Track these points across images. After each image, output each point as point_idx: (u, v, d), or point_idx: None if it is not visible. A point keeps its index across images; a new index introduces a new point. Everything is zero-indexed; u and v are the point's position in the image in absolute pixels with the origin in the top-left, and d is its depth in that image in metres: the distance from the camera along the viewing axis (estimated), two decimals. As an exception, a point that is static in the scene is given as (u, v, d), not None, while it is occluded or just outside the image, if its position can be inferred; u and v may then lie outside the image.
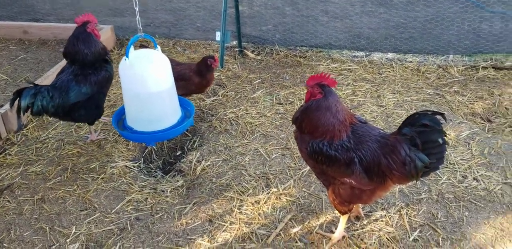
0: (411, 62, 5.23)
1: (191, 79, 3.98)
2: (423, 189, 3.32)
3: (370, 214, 3.10)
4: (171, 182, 3.49)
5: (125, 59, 3.17)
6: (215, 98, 4.51)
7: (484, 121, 4.35)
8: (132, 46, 3.24)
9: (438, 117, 2.29)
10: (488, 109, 4.44)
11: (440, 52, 5.27)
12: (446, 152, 2.32)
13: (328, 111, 2.41)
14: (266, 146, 3.79)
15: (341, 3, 6.46)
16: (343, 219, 2.79)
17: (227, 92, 4.60)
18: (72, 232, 2.99)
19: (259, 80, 4.82)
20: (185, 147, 3.96)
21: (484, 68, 5.07)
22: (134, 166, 3.65)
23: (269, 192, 3.29)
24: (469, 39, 5.40)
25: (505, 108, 4.43)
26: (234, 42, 5.51)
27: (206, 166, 3.59)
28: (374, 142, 2.42)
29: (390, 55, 5.33)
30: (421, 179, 3.06)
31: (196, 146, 3.92)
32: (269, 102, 4.43)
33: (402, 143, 2.28)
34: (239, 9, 5.19)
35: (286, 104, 4.38)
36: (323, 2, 6.50)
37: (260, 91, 4.61)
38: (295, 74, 4.95)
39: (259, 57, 5.36)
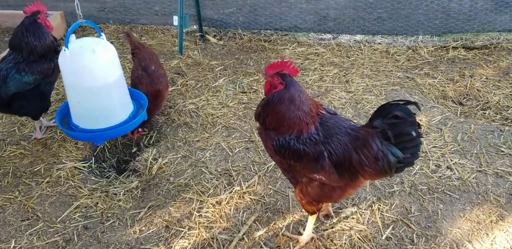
0: (380, 44, 5.00)
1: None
2: (395, 181, 3.13)
3: (340, 211, 2.89)
4: (124, 183, 3.19)
5: (64, 50, 2.81)
6: (173, 88, 4.18)
7: (456, 104, 4.18)
8: (72, 35, 2.89)
9: (412, 106, 2.07)
10: (459, 91, 4.27)
11: (409, 33, 5.05)
12: (421, 146, 2.11)
13: (292, 104, 2.18)
14: (229, 140, 3.52)
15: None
16: (312, 220, 2.57)
17: (186, 81, 4.27)
18: (11, 247, 2.67)
19: (222, 67, 4.51)
20: (141, 143, 3.65)
21: (455, 48, 4.89)
22: (84, 167, 3.33)
23: (231, 191, 3.03)
24: (438, 19, 5.20)
25: (477, 90, 4.27)
26: (195, 27, 5.15)
27: (163, 164, 3.30)
28: (345, 135, 2.21)
29: (358, 37, 5.08)
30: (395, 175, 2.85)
31: (153, 142, 3.61)
32: (231, 90, 4.14)
33: (374, 136, 2.07)
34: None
35: (250, 92, 4.10)
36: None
37: (223, 79, 4.30)
38: (260, 60, 4.65)
39: (221, 42, 5.03)
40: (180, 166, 3.28)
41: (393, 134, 2.02)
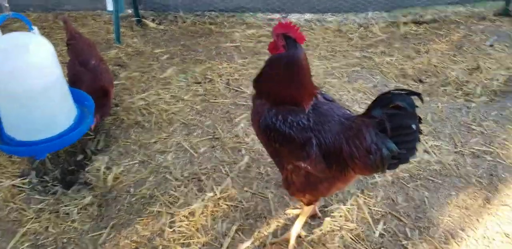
0: (331, 22, 4.78)
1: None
2: (376, 170, 2.95)
3: (326, 209, 2.66)
4: (76, 199, 2.73)
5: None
6: (116, 82, 3.68)
7: (416, 82, 4.09)
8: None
9: (414, 97, 1.83)
10: (418, 68, 4.17)
11: (359, 9, 4.87)
12: (419, 142, 1.90)
13: (289, 70, 1.97)
14: (190, 139, 3.14)
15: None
16: (306, 210, 2.34)
17: (130, 74, 3.78)
18: None
19: (167, 55, 4.05)
20: (88, 150, 3.16)
21: (405, 23, 4.79)
22: (24, 184, 2.81)
23: (204, 199, 2.69)
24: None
25: (434, 65, 4.19)
26: (129, 11, 4.60)
27: (119, 173, 2.87)
28: (338, 123, 1.98)
29: (308, 16, 4.82)
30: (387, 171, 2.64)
31: (102, 148, 3.14)
32: (184, 81, 3.72)
33: (369, 127, 1.84)
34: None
35: (205, 82, 3.71)
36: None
37: (171, 69, 3.86)
38: (209, 45, 4.24)
39: (161, 27, 4.54)
40: (140, 174, 2.87)
41: (391, 126, 1.80)
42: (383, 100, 1.82)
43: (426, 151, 3.14)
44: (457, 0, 4.92)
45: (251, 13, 4.74)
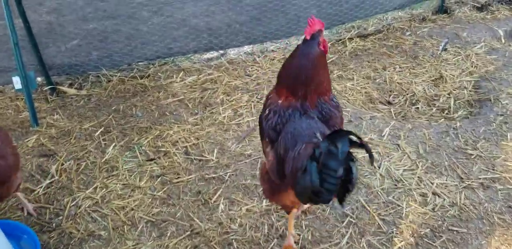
0: (274, 51, 4.31)
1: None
2: (392, 231, 2.52)
3: None
4: None
5: None
6: (48, 181, 2.93)
7: (386, 105, 3.74)
8: None
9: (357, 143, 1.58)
10: (382, 89, 3.82)
11: (298, 32, 4.44)
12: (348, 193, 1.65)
13: (296, 64, 1.99)
14: (165, 242, 2.51)
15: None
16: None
17: (62, 165, 3.04)
18: None
19: (101, 129, 3.34)
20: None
21: (350, 39, 4.44)
22: None
23: None
24: (323, 10, 4.66)
25: (397, 83, 3.87)
26: (39, 79, 3.80)
27: None
28: (304, 136, 1.87)
29: (247, 48, 4.30)
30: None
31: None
32: (133, 161, 3.06)
33: (310, 153, 1.65)
34: (31, 32, 3.46)
35: (159, 157, 3.07)
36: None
37: (111, 147, 3.17)
38: (148, 105, 3.59)
39: (83, 92, 3.80)
40: None
41: (322, 162, 1.60)
42: (332, 136, 1.62)
43: (435, 193, 2.76)
44: (395, 5, 4.65)
45: (185, 56, 4.13)
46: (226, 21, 4.63)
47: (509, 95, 3.48)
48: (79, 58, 4.07)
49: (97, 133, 3.30)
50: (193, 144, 3.17)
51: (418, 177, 2.87)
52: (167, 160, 3.04)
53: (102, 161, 3.05)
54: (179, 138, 3.21)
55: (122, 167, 3.00)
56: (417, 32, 4.49)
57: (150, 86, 3.80)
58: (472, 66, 3.95)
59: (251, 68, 4.06)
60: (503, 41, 4.37)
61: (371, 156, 1.61)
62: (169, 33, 4.41)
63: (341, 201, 1.68)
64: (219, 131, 3.28)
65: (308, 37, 1.98)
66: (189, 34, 4.41)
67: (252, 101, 3.58)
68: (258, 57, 4.20)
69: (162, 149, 3.12)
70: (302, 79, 1.95)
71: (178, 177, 2.91)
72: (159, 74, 3.94)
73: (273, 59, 4.18)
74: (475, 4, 4.87)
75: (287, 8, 4.57)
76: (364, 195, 2.78)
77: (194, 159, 3.05)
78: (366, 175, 2.91)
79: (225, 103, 3.57)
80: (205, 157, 3.06)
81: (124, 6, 4.74)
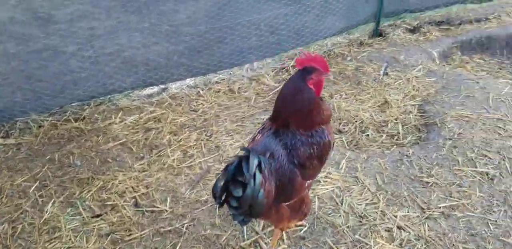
0: (218, 82, 4.16)
1: None
2: (365, 275, 2.43)
3: None
4: None
5: None
6: (-24, 251, 2.54)
7: (337, 133, 3.70)
8: None
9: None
10: (332, 117, 3.79)
11: (241, 62, 4.34)
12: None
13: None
14: None
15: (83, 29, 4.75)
16: None
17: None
18: None
19: (36, 184, 2.99)
20: None
21: (294, 66, 4.41)
22: None
23: None
24: (263, 39, 4.60)
25: (345, 110, 3.86)
26: (-44, 129, 3.37)
27: None
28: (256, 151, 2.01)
29: (189, 81, 4.12)
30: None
31: None
32: (76, 219, 2.74)
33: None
34: None
35: (106, 213, 2.77)
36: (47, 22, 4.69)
37: (50, 203, 2.83)
38: (86, 152, 3.28)
39: (11, 141, 3.41)
40: None
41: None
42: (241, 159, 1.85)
43: (399, 227, 2.72)
44: (333, 31, 4.70)
45: (122, 94, 3.86)
46: (164, 53, 4.43)
47: (454, 118, 3.57)
48: (2, 102, 3.66)
49: (32, 189, 2.94)
50: (143, 193, 2.92)
51: (381, 211, 2.82)
52: (115, 214, 2.76)
53: (41, 221, 2.71)
54: (126, 188, 2.94)
55: (65, 227, 2.68)
56: (357, 57, 4.55)
57: (86, 129, 3.49)
58: (414, 90, 4.04)
59: (196, 102, 3.88)
60: (437, 62, 4.54)
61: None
62: (102, 68, 4.12)
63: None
64: (170, 176, 3.05)
65: (299, 68, 2.05)
66: (124, 68, 4.15)
67: (202, 140, 3.40)
68: (202, 90, 4.03)
69: (109, 203, 2.84)
70: (278, 106, 2.10)
71: (130, 234, 2.64)
72: (95, 115, 3.64)
73: (218, 91, 4.04)
74: (408, 27, 5.05)
75: (227, 37, 4.46)
76: (331, 236, 2.67)
77: (146, 211, 2.79)
78: (330, 213, 2.81)
79: (172, 143, 3.35)
80: (158, 207, 2.82)
81: (47, 39, 4.36)
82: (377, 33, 4.96)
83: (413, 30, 5.04)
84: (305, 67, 2.01)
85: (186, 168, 3.14)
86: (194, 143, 3.36)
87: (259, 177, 1.85)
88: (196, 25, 4.67)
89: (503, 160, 3.18)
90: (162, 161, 3.18)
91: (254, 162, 1.81)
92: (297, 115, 2.04)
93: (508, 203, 2.86)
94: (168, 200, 2.87)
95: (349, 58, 4.57)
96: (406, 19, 5.15)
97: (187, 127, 3.54)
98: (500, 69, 4.57)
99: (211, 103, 3.85)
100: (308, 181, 2.18)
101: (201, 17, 4.39)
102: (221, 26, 4.31)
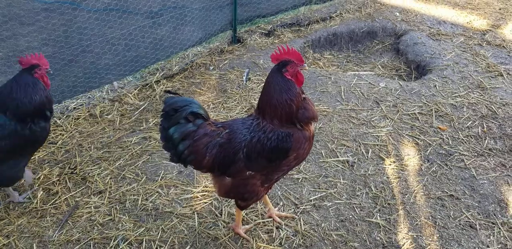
0: (76, 108, 3.92)
1: None
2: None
3: None
4: None
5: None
6: None
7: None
8: None
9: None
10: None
11: (102, 82, 4.15)
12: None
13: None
14: None
15: None
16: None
17: None
18: None
19: None
20: None
21: (157, 82, 4.34)
22: None
23: None
24: (120, 57, 4.43)
25: (215, 120, 3.89)
26: None
27: None
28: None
29: (45, 111, 3.82)
30: None
31: None
32: None
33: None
34: None
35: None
36: None
37: None
38: None
39: None
40: None
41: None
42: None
43: (278, 227, 2.81)
44: (193, 42, 4.72)
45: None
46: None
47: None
48: None
49: None
50: (4, 245, 2.63)
51: (261, 214, 2.90)
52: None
53: None
54: (-17, 242, 2.63)
55: None
56: (220, 65, 4.63)
57: None
58: (275, 91, 4.22)
59: (54, 133, 3.61)
60: (294, 62, 4.80)
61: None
62: None
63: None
64: (34, 220, 2.80)
65: (275, 63, 2.21)
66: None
67: (66, 174, 3.18)
68: (59, 119, 3.77)
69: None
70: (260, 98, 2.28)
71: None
72: None
73: (78, 118, 3.81)
74: (263, 31, 5.27)
75: (80, 56, 4.19)
76: (213, 249, 2.67)
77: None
78: (210, 227, 2.81)
79: (33, 182, 3.08)
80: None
81: None
82: (236, 40, 5.11)
83: (268, 34, 5.28)
84: (280, 61, 2.19)
85: (51, 208, 2.90)
86: (57, 179, 3.12)
87: (182, 128, 2.21)
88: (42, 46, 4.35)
89: (359, 146, 3.47)
90: (22, 204, 2.91)
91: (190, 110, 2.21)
92: (270, 106, 2.18)
93: (367, 185, 3.13)
94: (34, 246, 2.63)
95: (212, 67, 4.63)
96: (260, 24, 5.37)
97: (47, 163, 3.28)
98: (348, 62, 4.99)
99: (71, 132, 3.62)
100: (250, 172, 2.27)
101: (47, 40, 4.08)
102: (71, 47, 4.06)
